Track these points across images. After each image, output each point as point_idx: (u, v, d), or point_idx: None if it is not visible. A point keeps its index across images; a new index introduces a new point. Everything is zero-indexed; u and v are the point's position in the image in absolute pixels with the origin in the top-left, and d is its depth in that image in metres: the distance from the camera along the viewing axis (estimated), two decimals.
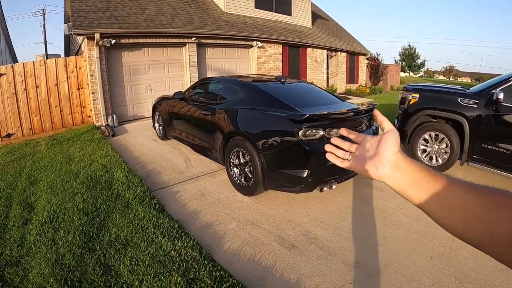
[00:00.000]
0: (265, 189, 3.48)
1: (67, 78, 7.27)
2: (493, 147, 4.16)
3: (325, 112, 3.26)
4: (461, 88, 5.11)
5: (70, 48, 13.14)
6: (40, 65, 6.91)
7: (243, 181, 3.70)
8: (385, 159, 0.61)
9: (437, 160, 4.67)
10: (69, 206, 3.27)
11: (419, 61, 35.74)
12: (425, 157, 4.82)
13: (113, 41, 7.11)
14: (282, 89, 4.00)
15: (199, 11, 9.63)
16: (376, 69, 20.62)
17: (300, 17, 13.58)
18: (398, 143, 0.62)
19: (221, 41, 9.25)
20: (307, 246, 2.72)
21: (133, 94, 8.09)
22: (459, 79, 50.17)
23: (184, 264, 2.34)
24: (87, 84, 7.39)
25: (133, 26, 7.41)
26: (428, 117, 4.90)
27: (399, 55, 37.02)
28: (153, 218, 2.97)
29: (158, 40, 7.98)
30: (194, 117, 4.64)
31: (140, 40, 7.72)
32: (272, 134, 3.27)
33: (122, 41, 7.40)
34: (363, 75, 18.63)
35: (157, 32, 7.72)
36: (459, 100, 4.46)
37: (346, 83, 16.43)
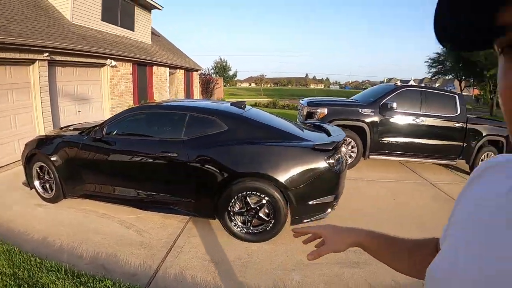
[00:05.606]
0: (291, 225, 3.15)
1: None
2: (385, 141, 5.74)
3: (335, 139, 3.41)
4: (354, 100, 6.55)
5: None
6: None
7: (251, 229, 3.18)
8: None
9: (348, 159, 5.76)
10: None
11: (231, 73, 40.60)
12: None
13: None
14: (258, 116, 3.69)
15: (46, 19, 7.06)
16: (208, 83, 21.86)
17: (142, 32, 12.50)
18: (339, 247, 0.81)
19: (74, 58, 7.09)
20: None
21: None
22: (263, 85, 59.60)
23: None
24: None
25: None
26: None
27: (212, 68, 40.66)
28: None
29: None
30: (140, 163, 3.50)
31: None
32: (299, 167, 3.05)
33: None
34: (197, 91, 19.22)
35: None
36: (360, 111, 5.71)
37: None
